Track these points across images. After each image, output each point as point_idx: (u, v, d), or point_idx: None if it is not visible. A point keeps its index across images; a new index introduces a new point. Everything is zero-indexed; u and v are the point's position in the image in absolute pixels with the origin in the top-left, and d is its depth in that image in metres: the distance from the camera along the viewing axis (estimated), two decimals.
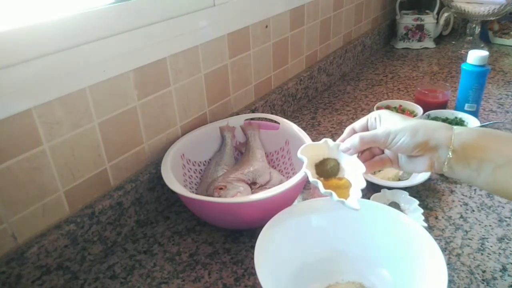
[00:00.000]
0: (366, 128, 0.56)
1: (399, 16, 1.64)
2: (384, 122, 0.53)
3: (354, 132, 0.57)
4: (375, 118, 0.54)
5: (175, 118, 0.81)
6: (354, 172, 0.55)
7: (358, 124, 0.57)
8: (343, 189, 0.54)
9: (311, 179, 0.53)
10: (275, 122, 0.88)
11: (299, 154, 0.56)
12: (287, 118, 0.89)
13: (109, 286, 0.63)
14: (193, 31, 0.78)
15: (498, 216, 0.73)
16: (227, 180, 0.74)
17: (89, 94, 0.64)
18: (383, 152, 0.59)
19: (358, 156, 0.56)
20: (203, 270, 0.66)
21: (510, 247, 0.67)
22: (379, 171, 0.86)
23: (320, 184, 0.52)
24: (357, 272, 0.61)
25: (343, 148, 0.55)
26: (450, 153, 0.49)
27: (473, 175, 0.49)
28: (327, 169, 0.56)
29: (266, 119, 0.90)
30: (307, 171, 0.54)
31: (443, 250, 0.66)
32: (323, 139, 0.58)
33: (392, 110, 1.01)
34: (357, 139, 0.54)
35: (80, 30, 0.60)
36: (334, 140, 0.58)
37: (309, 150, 0.57)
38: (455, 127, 0.50)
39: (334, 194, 0.51)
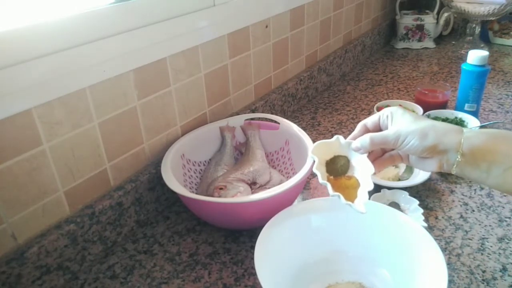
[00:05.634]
0: (377, 125, 0.56)
1: (399, 16, 1.64)
2: (396, 122, 0.53)
3: (365, 128, 0.57)
4: (387, 116, 0.54)
5: (175, 118, 0.81)
6: (363, 172, 0.55)
7: (370, 120, 0.57)
8: (351, 190, 0.54)
9: (320, 180, 0.53)
10: (275, 122, 0.88)
11: (310, 154, 0.56)
12: (287, 118, 0.89)
13: (109, 286, 0.63)
14: (193, 31, 0.78)
15: (498, 216, 0.73)
16: (227, 180, 0.74)
17: (89, 94, 0.64)
18: (393, 149, 0.59)
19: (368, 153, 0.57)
20: (203, 270, 0.66)
21: (510, 247, 0.67)
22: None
23: (329, 186, 0.53)
24: (357, 272, 0.61)
25: (354, 147, 0.56)
26: (459, 157, 0.49)
27: (482, 176, 0.49)
28: (337, 168, 0.57)
29: (266, 119, 0.90)
30: (317, 172, 0.54)
31: (443, 250, 0.66)
32: (335, 136, 0.58)
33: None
34: (368, 140, 0.54)
35: (80, 30, 0.60)
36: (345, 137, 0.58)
37: (320, 148, 0.57)
38: (465, 130, 0.50)
39: (342, 197, 0.51)
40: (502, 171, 0.48)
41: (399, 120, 0.53)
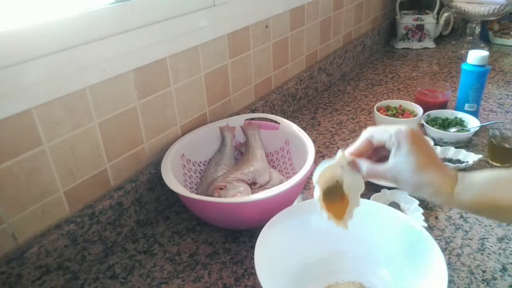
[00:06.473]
0: (383, 144, 0.52)
1: (399, 16, 1.64)
2: (398, 159, 0.50)
3: (370, 144, 0.53)
4: (394, 143, 0.50)
5: (175, 118, 0.81)
6: (354, 187, 0.55)
7: (377, 137, 0.52)
8: (342, 209, 0.55)
9: (318, 209, 0.54)
10: (275, 122, 0.88)
11: (315, 183, 0.54)
12: (287, 118, 0.89)
13: (109, 286, 0.63)
14: (193, 31, 0.78)
15: None
16: (227, 180, 0.74)
17: (89, 94, 0.64)
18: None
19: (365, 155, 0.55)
20: (203, 270, 0.66)
21: (510, 247, 0.67)
22: None
23: (325, 215, 0.54)
24: (357, 272, 0.61)
25: (352, 166, 0.54)
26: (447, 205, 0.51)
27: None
28: (335, 197, 0.56)
29: (266, 119, 0.90)
30: (318, 202, 0.54)
31: (443, 250, 0.66)
32: (339, 154, 0.54)
33: (392, 111, 1.02)
34: (365, 171, 0.52)
35: (80, 30, 0.60)
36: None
37: (324, 173, 0.55)
38: (459, 183, 0.49)
39: (333, 222, 0.54)
40: (488, 214, 0.51)
41: (401, 161, 0.50)
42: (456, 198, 0.48)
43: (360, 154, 0.54)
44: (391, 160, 0.51)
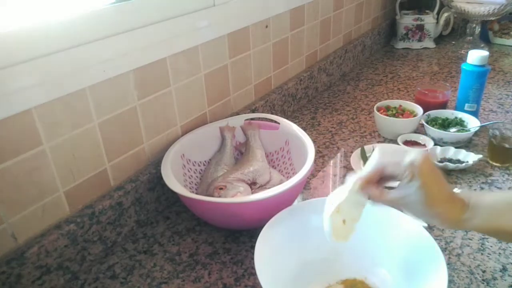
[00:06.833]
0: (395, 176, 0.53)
1: (399, 16, 1.64)
2: (408, 191, 0.50)
3: (381, 174, 0.53)
4: (406, 177, 0.50)
5: (175, 118, 0.81)
6: (357, 204, 0.55)
7: (390, 170, 0.52)
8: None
9: (327, 237, 0.55)
10: (275, 122, 0.88)
11: (329, 216, 0.54)
12: (287, 118, 0.89)
13: (109, 286, 0.63)
14: (193, 31, 0.78)
15: None
16: (227, 180, 0.74)
17: (89, 94, 0.64)
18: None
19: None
20: (203, 270, 0.66)
21: (510, 247, 0.67)
22: None
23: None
24: (357, 272, 0.61)
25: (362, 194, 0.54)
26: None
27: None
28: None
29: (266, 119, 0.90)
30: (328, 233, 0.55)
31: (443, 250, 0.66)
32: (350, 179, 0.54)
33: (392, 111, 1.02)
34: (374, 199, 0.53)
35: (80, 30, 0.60)
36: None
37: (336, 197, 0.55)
38: (466, 213, 0.49)
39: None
40: (494, 237, 0.55)
41: (412, 194, 0.50)
42: (462, 225, 0.51)
43: (369, 181, 0.54)
44: (401, 190, 0.51)
